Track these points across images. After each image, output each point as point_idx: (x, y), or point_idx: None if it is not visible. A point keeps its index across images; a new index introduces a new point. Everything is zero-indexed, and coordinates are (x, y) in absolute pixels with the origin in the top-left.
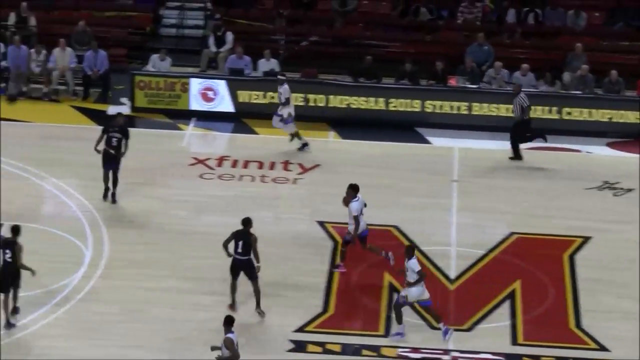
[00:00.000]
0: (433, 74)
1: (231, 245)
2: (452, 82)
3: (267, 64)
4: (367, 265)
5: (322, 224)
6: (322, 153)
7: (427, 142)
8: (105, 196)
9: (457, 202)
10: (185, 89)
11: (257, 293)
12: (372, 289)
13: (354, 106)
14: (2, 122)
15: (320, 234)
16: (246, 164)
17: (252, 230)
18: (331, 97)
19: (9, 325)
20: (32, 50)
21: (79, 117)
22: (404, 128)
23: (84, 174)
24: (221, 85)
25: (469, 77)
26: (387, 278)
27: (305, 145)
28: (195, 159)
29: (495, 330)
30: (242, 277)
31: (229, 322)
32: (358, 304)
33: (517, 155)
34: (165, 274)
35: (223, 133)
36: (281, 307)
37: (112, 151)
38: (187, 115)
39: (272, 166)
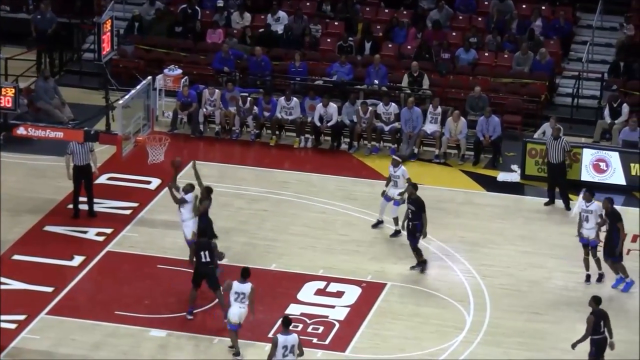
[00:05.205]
0: None
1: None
2: None
3: None
4: None
5: None
6: None
7: None
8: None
9: None
10: (577, 159)
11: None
12: None
13: None
14: None
15: None
16: (635, 238)
17: None
18: None
19: None
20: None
21: (468, 181)
22: None
23: (469, 239)
24: (614, 157)
25: None
26: None
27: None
28: None
29: None
30: None
31: None
32: None
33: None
34: (546, 345)
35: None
36: None
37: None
38: (577, 185)
39: None
